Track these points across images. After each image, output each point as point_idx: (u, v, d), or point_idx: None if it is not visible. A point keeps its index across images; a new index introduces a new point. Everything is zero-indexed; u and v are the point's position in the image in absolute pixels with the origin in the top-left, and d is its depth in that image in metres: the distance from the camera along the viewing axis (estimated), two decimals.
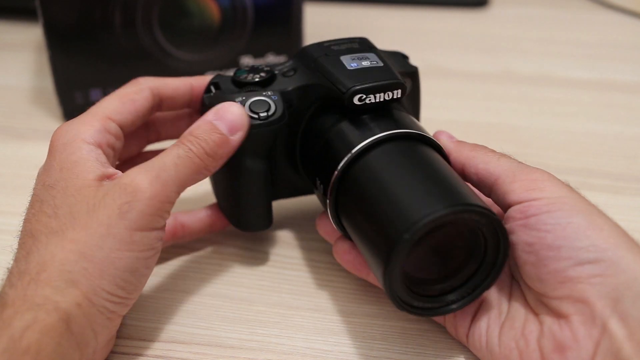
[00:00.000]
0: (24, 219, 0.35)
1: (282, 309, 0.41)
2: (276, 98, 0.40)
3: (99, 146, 0.37)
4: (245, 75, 0.41)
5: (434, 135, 0.39)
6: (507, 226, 0.35)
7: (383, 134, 0.36)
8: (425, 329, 0.39)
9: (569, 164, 0.54)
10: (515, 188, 0.35)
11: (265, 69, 0.42)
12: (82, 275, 0.32)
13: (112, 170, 0.36)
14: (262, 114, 0.39)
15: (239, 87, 0.41)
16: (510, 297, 0.36)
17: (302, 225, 0.47)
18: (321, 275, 0.43)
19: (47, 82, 0.62)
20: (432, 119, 0.64)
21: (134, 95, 0.40)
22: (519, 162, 0.37)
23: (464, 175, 0.38)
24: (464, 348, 0.37)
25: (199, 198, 0.49)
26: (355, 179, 0.36)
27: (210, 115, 0.38)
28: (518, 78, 0.69)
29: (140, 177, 0.34)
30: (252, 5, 0.59)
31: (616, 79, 0.69)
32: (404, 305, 0.34)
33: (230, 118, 0.38)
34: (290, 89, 0.41)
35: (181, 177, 0.36)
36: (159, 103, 0.42)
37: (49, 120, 0.60)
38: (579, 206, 0.33)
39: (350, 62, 0.39)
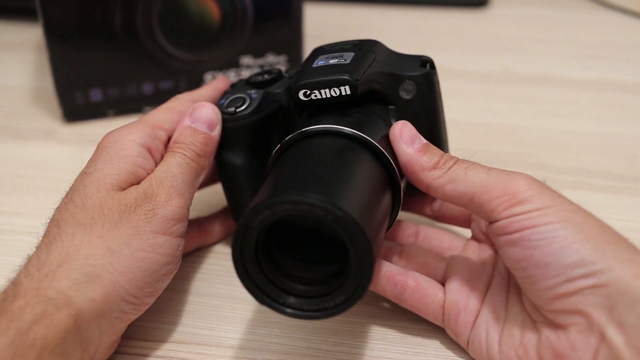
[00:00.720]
0: (56, 207, 0.36)
1: None
2: (256, 96, 0.41)
3: (149, 150, 0.39)
4: (255, 77, 0.43)
5: (392, 128, 0.37)
6: (493, 240, 0.34)
7: (308, 128, 0.36)
8: (425, 329, 0.39)
9: (569, 164, 0.54)
10: (495, 206, 0.33)
11: (274, 71, 0.43)
12: (106, 270, 0.33)
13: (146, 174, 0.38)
14: (229, 110, 0.41)
15: (245, 86, 0.43)
16: (507, 303, 0.36)
17: None
18: None
19: (47, 82, 0.62)
20: None
21: (180, 108, 0.42)
22: (489, 169, 0.34)
23: (429, 192, 0.36)
24: (463, 348, 0.37)
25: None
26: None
27: (186, 120, 0.40)
28: (518, 78, 0.69)
29: (160, 189, 0.36)
30: (252, 5, 0.59)
31: (616, 79, 0.69)
32: (248, 281, 0.32)
33: (205, 117, 0.40)
34: (278, 90, 0.41)
35: (188, 183, 0.38)
36: None
37: (49, 120, 0.60)
38: (563, 216, 0.32)
39: (320, 61, 0.39)
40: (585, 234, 0.31)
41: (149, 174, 0.38)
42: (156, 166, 0.39)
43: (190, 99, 0.43)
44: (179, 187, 0.37)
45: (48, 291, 0.31)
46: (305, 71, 0.39)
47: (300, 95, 0.38)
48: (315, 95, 0.38)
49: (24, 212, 0.49)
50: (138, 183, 0.37)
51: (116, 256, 0.34)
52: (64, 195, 0.37)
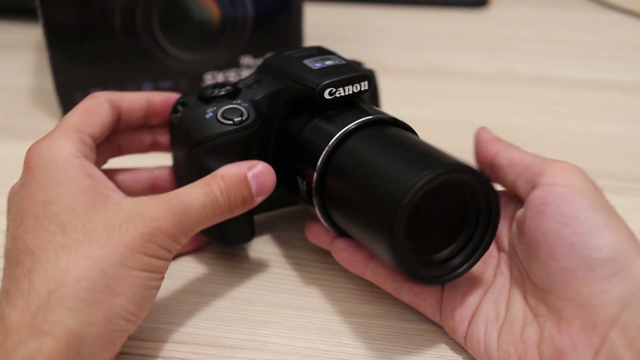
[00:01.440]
0: (11, 237, 0.34)
1: (282, 309, 0.41)
2: (246, 105, 0.41)
3: (86, 158, 0.37)
4: (211, 91, 0.42)
5: (476, 132, 0.41)
6: (528, 214, 0.35)
7: (359, 120, 0.38)
8: (425, 329, 0.39)
9: None
10: (543, 171, 0.36)
11: (230, 83, 0.43)
12: (103, 293, 0.32)
13: (110, 184, 0.37)
14: (236, 119, 0.40)
15: (206, 103, 0.42)
16: (508, 299, 0.36)
17: (302, 225, 0.47)
18: (321, 275, 0.43)
19: (47, 82, 0.62)
20: (432, 119, 0.63)
21: (96, 108, 0.40)
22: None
23: (495, 160, 0.39)
24: (462, 347, 0.37)
25: None
26: (340, 167, 0.37)
27: (247, 170, 0.39)
28: (518, 78, 0.69)
29: (165, 218, 0.35)
30: (252, 5, 0.59)
31: (616, 79, 0.69)
32: (413, 274, 0.34)
33: (263, 182, 0.39)
34: (258, 97, 0.42)
35: (200, 224, 0.37)
36: (118, 116, 0.42)
37: (49, 120, 0.60)
38: (599, 202, 0.33)
39: (315, 63, 0.41)
40: (616, 225, 0.33)
41: (106, 183, 0.36)
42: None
43: (107, 99, 0.41)
44: (187, 224, 0.36)
45: (43, 325, 0.30)
46: (311, 73, 0.40)
47: (326, 94, 0.39)
48: (340, 93, 0.39)
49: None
50: (107, 194, 0.35)
51: (111, 277, 0.32)
52: (15, 224, 0.34)
